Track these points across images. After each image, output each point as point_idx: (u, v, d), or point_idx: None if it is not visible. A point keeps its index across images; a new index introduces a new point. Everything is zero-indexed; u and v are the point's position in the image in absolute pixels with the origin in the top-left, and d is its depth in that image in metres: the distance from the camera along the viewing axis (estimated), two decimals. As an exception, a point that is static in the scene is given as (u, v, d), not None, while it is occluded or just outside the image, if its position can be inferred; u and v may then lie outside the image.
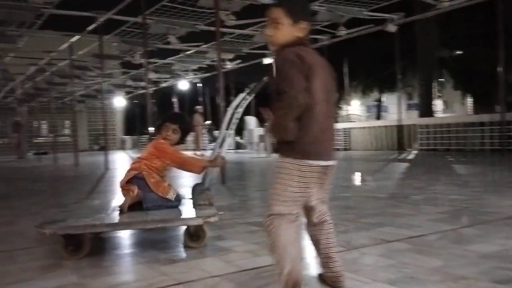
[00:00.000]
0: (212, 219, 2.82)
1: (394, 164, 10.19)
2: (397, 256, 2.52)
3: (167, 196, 3.10)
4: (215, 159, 3.12)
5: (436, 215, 3.69)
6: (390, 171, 8.71)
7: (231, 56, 15.70)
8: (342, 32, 11.93)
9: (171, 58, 16.52)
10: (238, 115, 3.07)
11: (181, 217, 2.95)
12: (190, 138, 21.71)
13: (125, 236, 3.33)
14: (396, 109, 16.38)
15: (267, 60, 16.46)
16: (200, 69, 19.28)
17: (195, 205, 3.10)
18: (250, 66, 17.61)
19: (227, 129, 3.10)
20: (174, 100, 29.30)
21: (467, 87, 29.57)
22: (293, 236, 1.91)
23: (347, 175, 7.55)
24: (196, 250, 2.84)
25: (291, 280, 1.84)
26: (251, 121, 18.24)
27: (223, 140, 3.13)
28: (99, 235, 3.15)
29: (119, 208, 3.07)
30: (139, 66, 16.37)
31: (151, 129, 9.20)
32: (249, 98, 3.03)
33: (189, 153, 3.45)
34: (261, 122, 17.17)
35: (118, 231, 3.34)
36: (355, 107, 40.32)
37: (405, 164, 9.87)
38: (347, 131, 17.44)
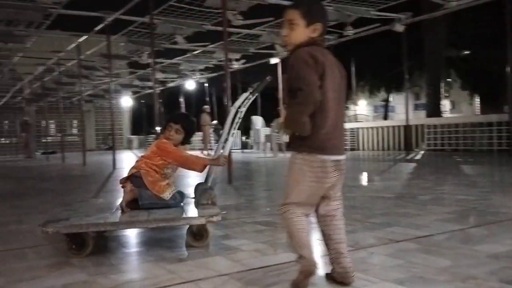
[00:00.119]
0: (214, 219, 2.82)
1: (401, 164, 10.16)
2: (405, 256, 2.51)
3: (162, 195, 3.11)
4: (217, 158, 3.13)
5: (444, 215, 3.68)
6: (397, 171, 8.68)
7: (237, 56, 15.72)
8: (350, 32, 11.91)
9: (178, 58, 16.56)
10: (241, 114, 3.08)
11: (184, 216, 2.95)
12: (197, 137, 21.80)
13: (132, 235, 3.34)
14: (403, 109, 16.33)
15: (273, 60, 16.48)
16: (206, 69, 19.32)
17: (198, 205, 3.10)
18: (257, 66, 17.62)
19: (230, 128, 3.10)
20: (181, 100, 29.38)
21: (474, 87, 29.43)
22: (305, 226, 2.04)
23: (355, 175, 7.54)
24: (204, 249, 2.84)
25: (306, 265, 1.98)
26: (258, 120, 18.22)
27: (226, 139, 3.13)
28: (103, 233, 3.17)
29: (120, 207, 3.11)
30: (146, 66, 16.44)
31: (158, 129, 9.23)
32: (252, 98, 3.04)
33: (196, 153, 3.45)
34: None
35: (124, 230, 3.36)
36: (362, 107, 40.22)
37: (413, 164, 9.83)
38: (354, 131, 17.40)
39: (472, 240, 2.84)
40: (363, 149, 17.11)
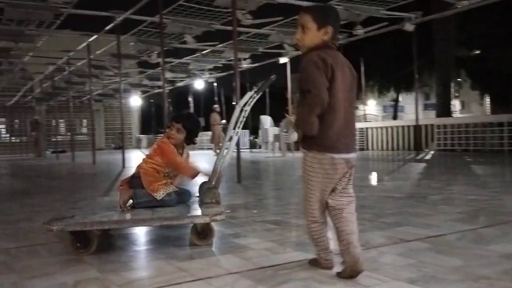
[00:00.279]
0: (218, 218, 2.82)
1: (411, 164, 10.11)
2: (417, 255, 2.50)
3: (154, 194, 3.12)
4: (213, 173, 3.11)
5: (455, 215, 3.66)
6: (407, 171, 8.64)
7: (246, 55, 15.73)
8: (360, 31, 11.86)
9: (187, 57, 16.60)
10: (245, 113, 3.08)
11: (188, 215, 2.95)
12: (206, 137, 21.82)
13: (141, 233, 3.36)
14: (412, 109, 16.24)
15: (282, 59, 16.46)
16: (215, 69, 19.35)
17: (202, 203, 3.10)
18: (266, 65, 17.62)
19: (234, 127, 3.10)
20: (190, 99, 29.45)
21: (485, 87, 29.24)
22: (324, 232, 2.21)
23: (364, 175, 7.51)
24: (214, 247, 2.85)
25: (325, 264, 2.23)
26: (266, 120, 18.22)
27: (231, 138, 3.11)
28: (108, 232, 3.19)
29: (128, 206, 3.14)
30: (156, 65, 16.49)
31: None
32: (257, 96, 3.04)
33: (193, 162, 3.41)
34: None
35: (133, 228, 3.38)
36: (371, 107, 40.09)
37: (422, 164, 9.78)
38: (363, 131, 17.34)
39: (484, 240, 2.83)
40: (372, 149, 17.05)
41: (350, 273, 2.09)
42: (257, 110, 17.74)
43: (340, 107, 2.08)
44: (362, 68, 24.54)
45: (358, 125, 17.57)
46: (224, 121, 17.61)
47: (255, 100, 3.05)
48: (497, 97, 28.73)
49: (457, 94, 33.05)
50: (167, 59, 15.51)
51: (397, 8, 11.18)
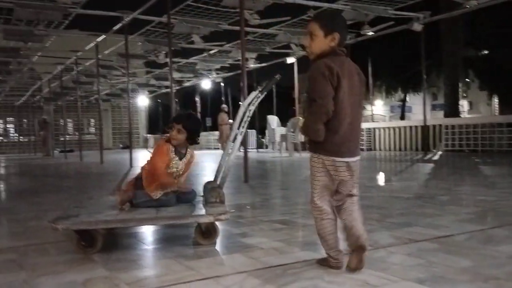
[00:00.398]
0: (223, 217, 2.82)
1: (419, 164, 10.06)
2: (425, 255, 2.49)
3: (151, 194, 3.13)
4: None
5: (463, 216, 3.64)
6: (415, 171, 8.61)
7: (254, 55, 15.73)
8: (367, 31, 11.82)
9: (194, 57, 16.63)
10: (250, 113, 3.07)
11: (193, 214, 2.96)
12: (214, 137, 21.86)
13: (149, 232, 3.37)
14: (420, 109, 16.17)
15: (290, 60, 16.46)
16: (222, 68, 19.37)
17: (207, 203, 3.10)
18: (273, 65, 17.62)
19: (239, 127, 3.10)
20: (197, 99, 29.50)
21: (493, 87, 29.05)
22: (332, 229, 2.25)
23: (372, 175, 7.49)
24: (222, 246, 2.86)
25: (334, 263, 2.26)
26: (273, 120, 18.20)
27: (235, 137, 3.10)
28: (113, 230, 3.20)
29: (128, 206, 3.15)
30: (163, 65, 16.53)
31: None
32: (262, 96, 3.04)
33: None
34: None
35: (141, 227, 3.39)
36: (378, 107, 39.96)
37: (430, 165, 9.74)
38: (370, 131, 17.29)
39: (493, 240, 2.81)
40: (380, 150, 16.99)
41: (356, 252, 2.19)
42: (264, 110, 17.73)
43: (346, 114, 2.16)
44: (370, 68, 24.46)
45: (366, 125, 17.53)
46: (231, 120, 17.63)
47: (259, 99, 3.05)
48: (506, 97, 28.52)
49: (465, 95, 32.88)
50: (175, 59, 15.55)
51: (405, 8, 11.14)
